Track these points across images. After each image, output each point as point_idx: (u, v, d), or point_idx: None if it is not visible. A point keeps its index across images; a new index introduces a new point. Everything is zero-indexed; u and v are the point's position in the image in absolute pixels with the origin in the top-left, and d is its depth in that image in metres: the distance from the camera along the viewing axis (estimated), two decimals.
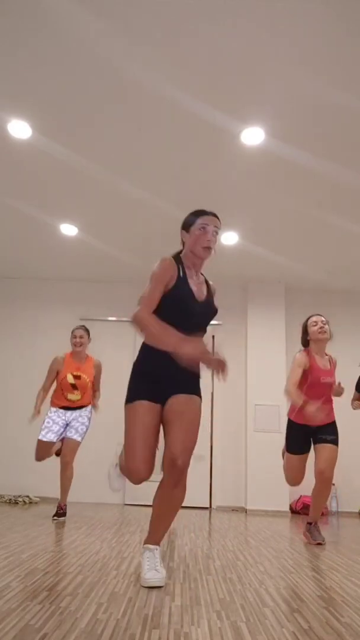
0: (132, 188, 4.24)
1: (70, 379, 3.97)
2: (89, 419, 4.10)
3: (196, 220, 2.18)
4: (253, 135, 3.51)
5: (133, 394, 2.11)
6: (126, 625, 1.41)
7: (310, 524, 3.35)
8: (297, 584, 2.06)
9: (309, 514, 3.41)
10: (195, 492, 5.68)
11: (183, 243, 2.26)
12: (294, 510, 5.54)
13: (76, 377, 3.99)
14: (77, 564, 2.23)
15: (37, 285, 6.45)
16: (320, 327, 3.36)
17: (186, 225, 2.22)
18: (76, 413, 4.04)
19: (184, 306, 2.10)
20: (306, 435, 3.37)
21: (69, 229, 5.10)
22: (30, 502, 5.27)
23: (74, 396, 4.01)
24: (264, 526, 4.15)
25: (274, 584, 2.03)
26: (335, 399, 3.41)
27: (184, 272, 2.15)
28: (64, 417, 4.01)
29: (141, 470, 2.03)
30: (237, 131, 3.48)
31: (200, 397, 2.15)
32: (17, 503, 5.21)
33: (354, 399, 3.89)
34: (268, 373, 5.82)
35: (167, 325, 2.05)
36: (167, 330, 2.03)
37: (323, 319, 3.42)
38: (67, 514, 4.00)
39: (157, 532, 2.11)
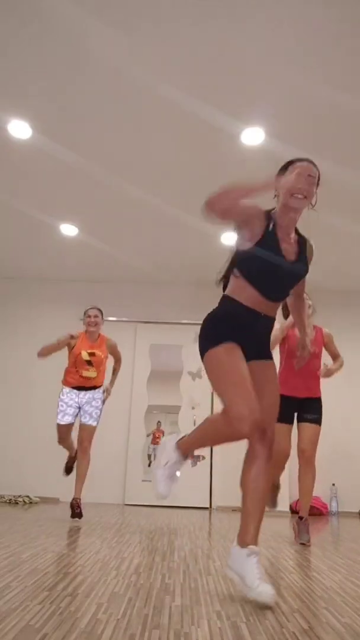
0: (132, 188, 4.24)
1: (85, 355, 4.01)
2: (103, 401, 4.11)
3: (288, 167, 1.98)
4: (253, 135, 3.52)
5: (220, 337, 1.86)
6: (126, 625, 1.41)
7: (301, 518, 3.24)
8: (297, 584, 2.06)
9: (299, 506, 3.33)
10: (195, 492, 5.68)
11: (277, 199, 2.05)
12: (294, 510, 5.53)
13: (91, 354, 4.02)
14: (77, 564, 2.23)
15: (37, 285, 6.45)
16: None
17: (278, 175, 2.02)
18: (89, 395, 4.04)
19: (269, 264, 1.92)
20: (290, 408, 3.30)
21: (69, 229, 5.10)
22: (30, 502, 5.27)
23: (89, 373, 4.02)
24: (264, 526, 4.13)
25: (274, 584, 2.03)
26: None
27: (274, 228, 1.97)
28: (76, 399, 4.02)
29: (257, 408, 1.70)
30: (237, 131, 3.49)
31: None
32: (17, 503, 5.20)
33: None
34: None
35: (247, 285, 1.92)
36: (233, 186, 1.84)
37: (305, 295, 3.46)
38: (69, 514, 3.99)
39: (258, 527, 1.87)
